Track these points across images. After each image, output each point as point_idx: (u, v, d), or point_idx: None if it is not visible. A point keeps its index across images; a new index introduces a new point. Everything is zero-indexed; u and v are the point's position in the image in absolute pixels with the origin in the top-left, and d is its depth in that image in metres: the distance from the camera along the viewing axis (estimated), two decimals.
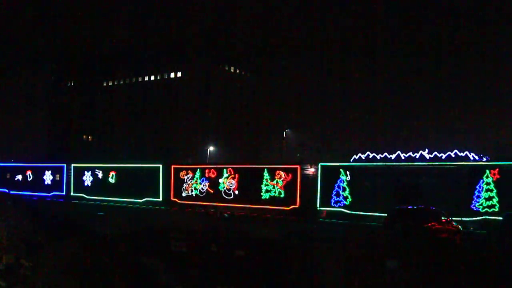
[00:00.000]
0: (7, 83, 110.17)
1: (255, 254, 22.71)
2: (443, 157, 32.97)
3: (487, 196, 30.48)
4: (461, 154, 32.46)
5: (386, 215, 28.61)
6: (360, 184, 35.06)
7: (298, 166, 37.61)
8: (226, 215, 37.23)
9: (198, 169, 42.11)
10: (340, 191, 35.28)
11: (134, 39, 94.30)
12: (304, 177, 37.69)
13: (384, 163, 34.77)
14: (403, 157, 34.64)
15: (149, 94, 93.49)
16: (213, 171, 41.24)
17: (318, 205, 36.34)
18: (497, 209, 30.01)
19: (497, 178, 30.26)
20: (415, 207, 28.93)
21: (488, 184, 30.42)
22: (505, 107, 78.09)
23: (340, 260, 20.68)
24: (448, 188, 31.82)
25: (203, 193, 41.38)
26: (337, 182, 35.34)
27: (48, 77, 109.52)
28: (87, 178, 48.83)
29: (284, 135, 65.09)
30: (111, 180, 47.22)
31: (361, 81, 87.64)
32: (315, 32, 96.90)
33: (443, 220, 27.25)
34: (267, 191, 37.69)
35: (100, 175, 48.13)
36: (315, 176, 37.95)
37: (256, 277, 22.20)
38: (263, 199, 37.89)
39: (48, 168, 52.25)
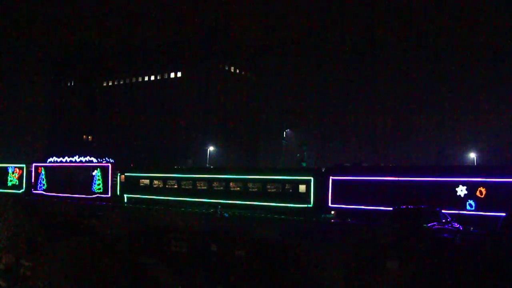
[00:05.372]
0: (7, 83, 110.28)
1: (255, 254, 22.65)
2: (87, 161, 51.35)
3: (98, 183, 49.17)
4: (87, 158, 51.13)
5: (70, 195, 50.23)
6: (50, 176, 53.93)
7: (24, 165, 56.21)
8: (226, 214, 37.35)
9: None
10: (42, 181, 54.82)
11: (134, 39, 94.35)
12: (30, 171, 56.23)
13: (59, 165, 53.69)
14: (77, 160, 52.40)
15: (149, 94, 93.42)
16: None
17: (33, 189, 55.05)
18: (101, 190, 48.77)
19: (102, 172, 48.93)
20: (415, 207, 28.90)
21: (98, 176, 49.08)
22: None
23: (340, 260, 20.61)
24: (85, 179, 50.36)
25: None
26: (40, 175, 54.83)
27: (48, 77, 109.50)
28: None
29: (284, 135, 64.83)
30: None
31: (360, 80, 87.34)
32: (314, 32, 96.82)
33: (443, 220, 27.23)
34: (10, 180, 57.42)
35: None
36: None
37: (256, 277, 22.14)
38: (9, 186, 57.35)
39: None
